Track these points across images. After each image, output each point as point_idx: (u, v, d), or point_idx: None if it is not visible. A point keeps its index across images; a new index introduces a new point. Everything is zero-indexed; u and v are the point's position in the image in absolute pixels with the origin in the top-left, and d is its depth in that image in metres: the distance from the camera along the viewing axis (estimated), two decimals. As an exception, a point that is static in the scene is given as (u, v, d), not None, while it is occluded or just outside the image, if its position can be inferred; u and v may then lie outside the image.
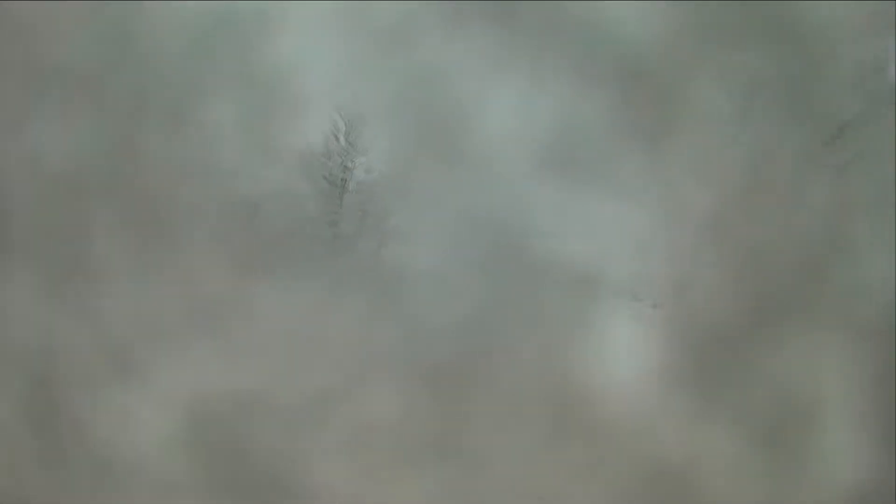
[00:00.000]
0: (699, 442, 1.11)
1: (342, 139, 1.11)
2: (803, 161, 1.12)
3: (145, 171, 1.11)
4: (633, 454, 1.11)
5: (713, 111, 1.12)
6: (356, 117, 1.11)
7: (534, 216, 1.12)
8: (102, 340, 1.11)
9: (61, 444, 1.11)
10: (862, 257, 1.12)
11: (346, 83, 1.11)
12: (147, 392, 1.11)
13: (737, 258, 1.12)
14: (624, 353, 1.12)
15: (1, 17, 1.10)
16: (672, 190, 1.12)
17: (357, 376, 1.11)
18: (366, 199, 1.13)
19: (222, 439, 1.11)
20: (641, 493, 1.11)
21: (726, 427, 1.12)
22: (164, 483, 1.11)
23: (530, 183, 1.12)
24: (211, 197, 1.11)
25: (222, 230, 1.11)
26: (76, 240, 1.11)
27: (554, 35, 1.11)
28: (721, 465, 1.12)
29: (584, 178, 1.12)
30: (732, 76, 1.12)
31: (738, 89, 1.12)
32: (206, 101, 1.10)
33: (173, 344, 1.11)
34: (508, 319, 1.12)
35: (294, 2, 1.11)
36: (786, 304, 1.12)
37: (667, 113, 1.12)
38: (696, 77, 1.12)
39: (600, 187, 1.12)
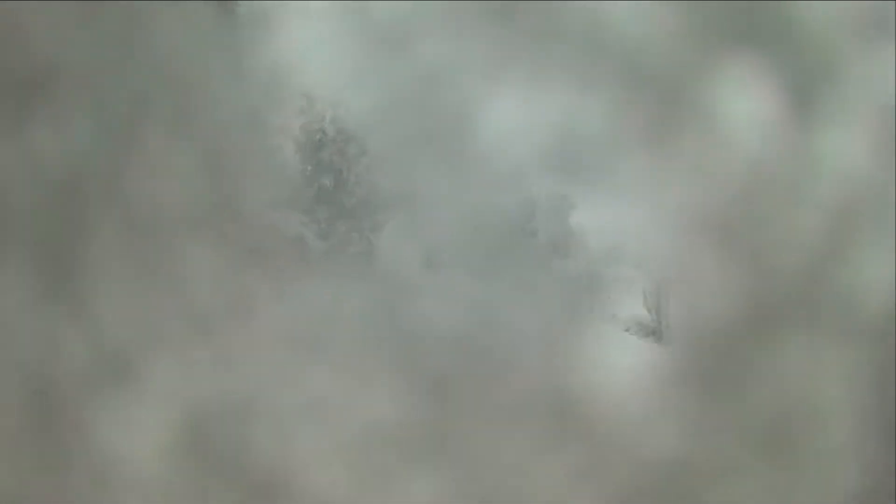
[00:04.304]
0: (699, 444, 1.12)
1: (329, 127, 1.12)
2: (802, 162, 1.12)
3: (143, 175, 1.11)
4: (632, 456, 1.11)
5: (714, 111, 1.12)
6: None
7: (535, 217, 1.12)
8: (101, 345, 1.11)
9: (61, 447, 1.11)
10: (862, 259, 1.13)
11: (346, 83, 1.11)
12: (145, 396, 1.11)
13: (737, 259, 1.12)
14: (624, 355, 1.13)
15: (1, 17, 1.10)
16: (673, 190, 1.12)
17: (356, 379, 1.11)
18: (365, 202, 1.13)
19: (220, 443, 1.11)
20: (641, 495, 1.11)
21: (726, 429, 1.12)
22: (162, 486, 1.11)
23: (532, 183, 1.12)
24: (209, 200, 1.11)
25: (220, 234, 1.11)
26: (75, 245, 1.11)
27: (555, 36, 1.11)
28: (721, 467, 1.12)
29: (585, 179, 1.12)
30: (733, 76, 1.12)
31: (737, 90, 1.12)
32: (205, 103, 1.10)
33: (171, 348, 1.10)
34: (509, 321, 1.12)
35: (296, 2, 1.11)
36: (786, 305, 1.12)
37: (668, 113, 1.12)
38: (697, 77, 1.12)
39: (602, 188, 1.12)
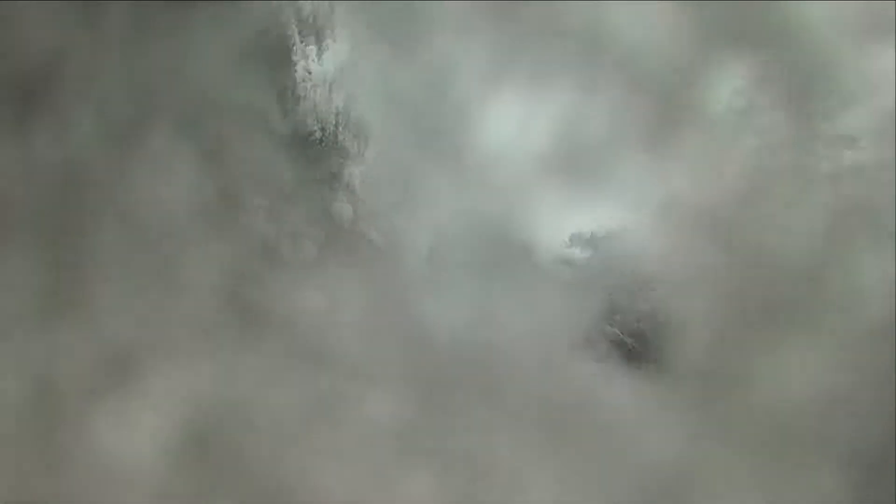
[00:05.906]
0: (697, 447, 1.11)
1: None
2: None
3: (144, 176, 1.10)
4: (630, 460, 1.11)
5: (714, 112, 1.12)
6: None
7: (535, 219, 1.12)
8: (102, 346, 1.10)
9: (61, 448, 1.11)
10: (862, 260, 1.13)
11: (348, 83, 1.11)
12: (146, 397, 1.11)
13: (737, 259, 1.12)
14: (623, 357, 1.12)
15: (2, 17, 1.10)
16: (673, 190, 1.12)
17: (357, 382, 1.11)
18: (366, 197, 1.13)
19: (221, 444, 1.10)
20: (639, 499, 1.11)
21: (725, 431, 1.12)
22: (163, 489, 1.11)
23: (532, 185, 1.12)
24: (211, 202, 1.11)
25: (222, 235, 1.11)
26: (75, 245, 1.10)
27: (555, 38, 1.11)
28: (720, 470, 1.12)
29: (585, 180, 1.12)
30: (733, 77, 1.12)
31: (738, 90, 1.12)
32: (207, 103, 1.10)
33: (172, 350, 1.10)
34: (509, 324, 1.11)
35: (299, 2, 1.11)
36: (786, 305, 1.12)
37: (668, 113, 1.12)
38: (697, 77, 1.12)
39: (602, 189, 1.12)
